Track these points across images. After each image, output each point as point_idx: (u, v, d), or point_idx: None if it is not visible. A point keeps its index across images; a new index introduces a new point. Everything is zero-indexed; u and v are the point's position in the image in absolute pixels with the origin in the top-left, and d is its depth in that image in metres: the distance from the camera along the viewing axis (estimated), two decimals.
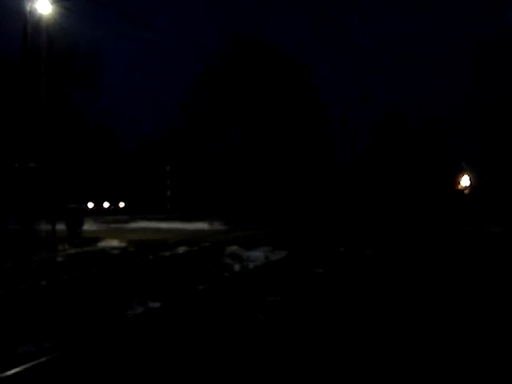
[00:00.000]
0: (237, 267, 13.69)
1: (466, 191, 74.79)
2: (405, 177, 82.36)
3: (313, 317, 8.38)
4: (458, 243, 19.23)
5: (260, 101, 52.10)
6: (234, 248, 17.47)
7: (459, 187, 78.47)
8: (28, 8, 19.54)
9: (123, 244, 19.62)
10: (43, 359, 6.32)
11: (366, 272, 12.71)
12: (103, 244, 19.60)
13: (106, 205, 58.26)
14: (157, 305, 9.32)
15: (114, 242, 19.98)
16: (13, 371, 5.93)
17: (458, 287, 10.73)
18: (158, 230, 26.69)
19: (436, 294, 9.98)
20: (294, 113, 53.96)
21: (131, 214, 40.75)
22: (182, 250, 17.57)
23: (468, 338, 7.10)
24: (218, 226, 29.30)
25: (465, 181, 79.06)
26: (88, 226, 26.04)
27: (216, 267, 13.55)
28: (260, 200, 48.30)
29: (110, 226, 29.29)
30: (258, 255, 15.88)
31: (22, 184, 19.71)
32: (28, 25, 19.73)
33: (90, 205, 52.95)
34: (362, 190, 65.78)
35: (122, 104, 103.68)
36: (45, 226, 22.04)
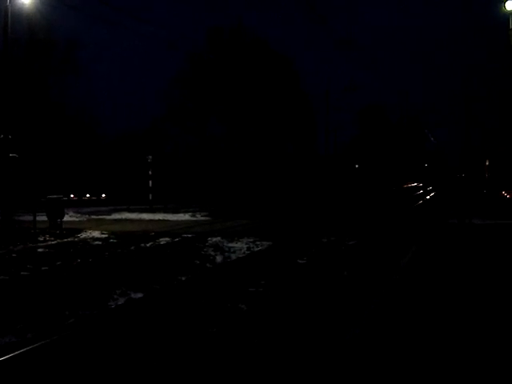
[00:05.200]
0: (219, 258, 13.71)
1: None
2: (386, 167, 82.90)
3: (295, 307, 8.43)
4: (439, 234, 19.38)
5: (242, 91, 52.10)
6: (216, 239, 17.48)
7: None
8: None
9: (105, 235, 19.52)
10: (23, 350, 6.30)
11: (348, 263, 12.78)
12: (85, 235, 19.50)
13: (88, 196, 57.88)
14: (139, 295, 9.32)
15: (96, 233, 19.88)
16: None
17: (439, 277, 10.83)
18: (140, 221, 26.59)
19: (417, 285, 10.07)
20: (277, 104, 54.04)
21: (113, 204, 40.49)
22: (164, 241, 17.53)
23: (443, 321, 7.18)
24: (200, 216, 29.24)
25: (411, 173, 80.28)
26: (69, 217, 25.90)
27: (198, 258, 13.56)
28: (243, 191, 48.36)
29: (91, 216, 29.10)
30: (240, 246, 15.91)
31: (2, 174, 19.53)
32: (9, 13, 19.49)
33: (71, 196, 52.58)
34: (345, 180, 66.16)
35: (103, 94, 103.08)
36: (26, 217, 21.91)
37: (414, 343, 6.49)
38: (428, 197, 55.74)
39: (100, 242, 17.42)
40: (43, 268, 12.18)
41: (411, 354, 6.13)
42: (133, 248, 15.85)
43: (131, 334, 7.04)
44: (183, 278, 10.96)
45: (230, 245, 16.21)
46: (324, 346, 6.43)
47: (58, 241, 17.90)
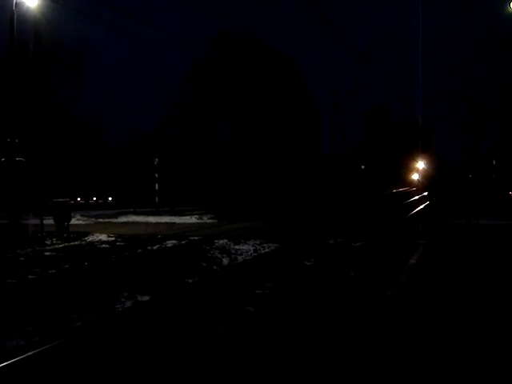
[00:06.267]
0: (226, 261, 13.70)
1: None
2: (392, 169, 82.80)
3: (302, 308, 8.41)
4: (446, 234, 19.30)
5: (248, 94, 52.11)
6: (223, 241, 17.47)
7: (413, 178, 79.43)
8: (14, 0, 19.38)
9: (112, 238, 19.53)
10: (31, 353, 6.30)
11: (354, 265, 12.74)
12: (91, 238, 19.51)
13: (94, 199, 58.04)
14: (146, 298, 9.32)
15: (103, 236, 19.90)
16: (2, 364, 5.91)
17: (446, 278, 10.79)
18: (146, 224, 26.61)
19: (425, 286, 10.03)
20: (282, 106, 54.02)
21: (119, 207, 40.54)
22: (170, 243, 17.54)
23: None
24: (207, 219, 29.22)
25: (415, 175, 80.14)
26: (76, 221, 25.96)
27: (205, 261, 13.55)
28: (249, 193, 48.32)
29: (98, 220, 29.13)
30: (247, 248, 15.90)
31: (9, 178, 19.58)
32: (15, 17, 19.56)
33: (78, 199, 52.69)
34: (351, 182, 66.09)
35: (109, 97, 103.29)
36: (33, 221, 21.95)
37: (420, 345, 6.46)
38: (435, 198, 55.57)
39: (107, 245, 17.44)
40: (50, 271, 12.20)
41: (417, 354, 6.11)
42: (140, 251, 15.86)
43: (138, 337, 7.04)
44: (190, 281, 10.96)
45: (237, 247, 16.20)
46: (331, 348, 6.42)
47: (65, 244, 17.93)
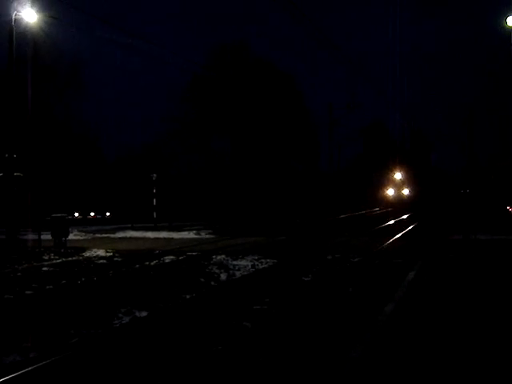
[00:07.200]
0: (223, 276, 13.68)
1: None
2: (389, 184, 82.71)
3: (299, 324, 8.38)
4: (443, 250, 19.28)
5: (247, 109, 52.27)
6: (220, 257, 17.45)
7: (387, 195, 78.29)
8: (13, 16, 19.50)
9: (109, 253, 19.51)
10: (28, 369, 6.27)
11: (352, 280, 12.72)
12: (89, 253, 19.49)
13: (92, 214, 58.08)
14: (143, 314, 9.29)
15: (101, 252, 19.87)
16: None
17: (445, 295, 10.76)
18: (144, 240, 26.56)
19: (422, 303, 10.00)
20: (281, 121, 54.17)
21: (117, 223, 40.52)
22: (168, 259, 17.50)
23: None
24: (205, 234, 29.20)
25: (390, 191, 78.87)
26: (74, 236, 25.91)
27: (203, 276, 13.53)
28: (247, 208, 48.33)
29: (95, 235, 29.10)
30: (245, 264, 15.87)
31: (7, 193, 19.58)
32: (14, 33, 19.67)
33: (76, 214, 52.70)
34: (348, 197, 66.15)
35: (108, 113, 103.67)
36: (30, 236, 21.93)
37: (418, 367, 6.44)
38: (434, 212, 55.57)
39: (105, 261, 17.41)
40: (48, 287, 12.16)
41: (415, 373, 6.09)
42: (137, 266, 15.82)
43: (136, 353, 7.01)
44: (188, 297, 10.93)
45: (235, 262, 16.18)
46: (328, 365, 6.39)
47: (63, 259, 17.90)
